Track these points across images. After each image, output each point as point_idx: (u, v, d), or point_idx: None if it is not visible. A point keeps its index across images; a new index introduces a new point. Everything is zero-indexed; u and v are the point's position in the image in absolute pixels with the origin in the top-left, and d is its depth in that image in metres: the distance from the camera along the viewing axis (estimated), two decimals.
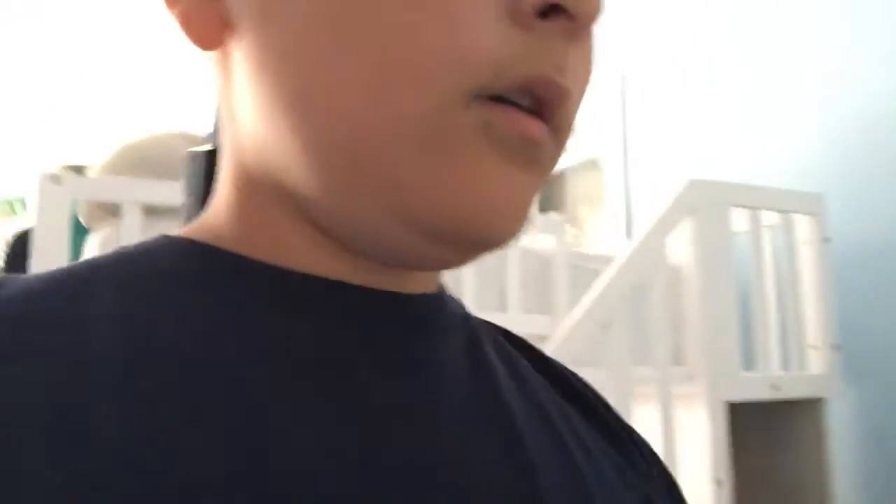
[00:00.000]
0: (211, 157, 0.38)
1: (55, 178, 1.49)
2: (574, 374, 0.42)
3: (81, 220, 1.77)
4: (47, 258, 1.45)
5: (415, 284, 0.35)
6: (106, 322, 0.28)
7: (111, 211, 1.60)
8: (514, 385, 0.37)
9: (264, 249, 0.32)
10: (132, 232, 1.54)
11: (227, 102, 0.34)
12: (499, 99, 0.29)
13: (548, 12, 0.29)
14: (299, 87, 0.30)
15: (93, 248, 1.75)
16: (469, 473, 0.31)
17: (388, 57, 0.29)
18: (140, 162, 1.69)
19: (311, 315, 0.31)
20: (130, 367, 0.26)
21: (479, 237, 0.31)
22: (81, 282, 0.30)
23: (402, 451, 0.30)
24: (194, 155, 0.40)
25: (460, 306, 0.38)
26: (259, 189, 0.33)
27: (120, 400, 0.25)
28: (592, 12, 0.30)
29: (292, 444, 0.27)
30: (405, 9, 0.28)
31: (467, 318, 0.38)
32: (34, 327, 0.27)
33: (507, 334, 0.42)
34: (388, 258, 0.33)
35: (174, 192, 1.66)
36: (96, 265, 0.31)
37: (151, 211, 1.57)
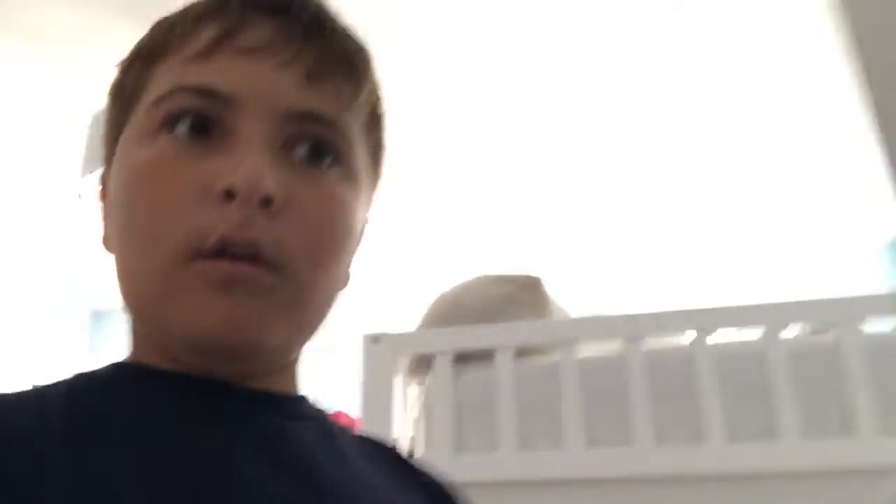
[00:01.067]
0: None
1: (375, 339, 1.62)
2: (426, 472, 0.60)
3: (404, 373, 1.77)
4: (375, 408, 1.57)
5: (272, 385, 0.52)
6: (55, 410, 0.43)
7: (429, 363, 1.61)
8: (358, 457, 0.55)
9: (155, 359, 0.49)
10: (443, 381, 1.54)
11: None
12: (222, 254, 0.45)
13: (231, 196, 0.45)
14: (119, 267, 0.50)
15: (410, 400, 1.74)
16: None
17: (141, 242, 0.47)
18: (455, 311, 1.73)
19: (182, 398, 0.48)
20: (65, 440, 0.41)
21: (218, 347, 0.46)
22: (44, 391, 0.46)
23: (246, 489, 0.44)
24: None
25: (315, 408, 0.55)
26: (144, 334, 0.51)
27: (53, 458, 0.40)
28: (252, 190, 0.45)
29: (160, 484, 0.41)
30: (144, 212, 0.47)
31: (320, 412, 0.55)
32: (7, 413, 0.43)
33: (362, 437, 0.60)
34: (197, 367, 0.48)
35: (483, 337, 1.52)
36: (62, 381, 0.48)
37: (462, 358, 1.59)
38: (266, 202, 0.45)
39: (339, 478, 0.50)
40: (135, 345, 0.52)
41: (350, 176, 0.51)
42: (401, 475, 0.57)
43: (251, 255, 0.45)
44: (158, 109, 0.48)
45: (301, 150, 0.49)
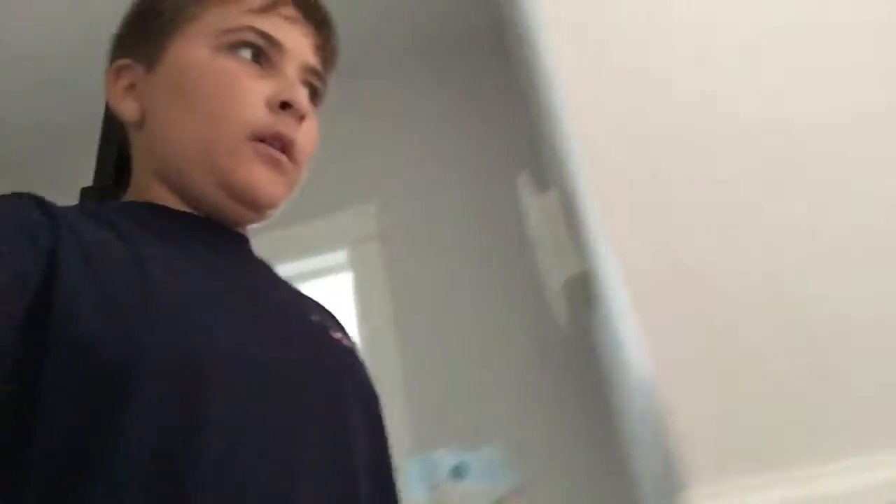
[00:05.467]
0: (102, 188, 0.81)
1: None
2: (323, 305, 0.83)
3: None
4: None
5: (244, 231, 0.77)
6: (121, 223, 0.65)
7: None
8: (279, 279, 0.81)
9: (166, 202, 0.72)
10: None
11: (145, 144, 0.74)
12: (266, 140, 0.70)
13: (285, 107, 0.70)
14: (178, 139, 0.71)
15: None
16: (281, 304, 0.73)
17: (216, 119, 0.69)
18: None
19: (183, 226, 0.71)
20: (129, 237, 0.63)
21: (253, 199, 0.70)
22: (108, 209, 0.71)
23: (239, 290, 0.68)
24: (87, 189, 0.82)
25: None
26: (161, 181, 0.73)
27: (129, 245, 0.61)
28: (304, 108, 0.71)
29: (192, 280, 0.63)
30: (222, 101, 0.69)
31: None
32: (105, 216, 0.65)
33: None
34: (214, 213, 0.72)
35: None
36: (111, 205, 0.75)
37: None
38: (302, 118, 0.72)
39: (282, 295, 0.77)
40: (145, 191, 0.73)
41: (318, 111, 0.79)
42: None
43: (287, 148, 0.70)
44: (227, 36, 0.71)
45: (309, 90, 0.76)
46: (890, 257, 0.87)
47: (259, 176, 0.69)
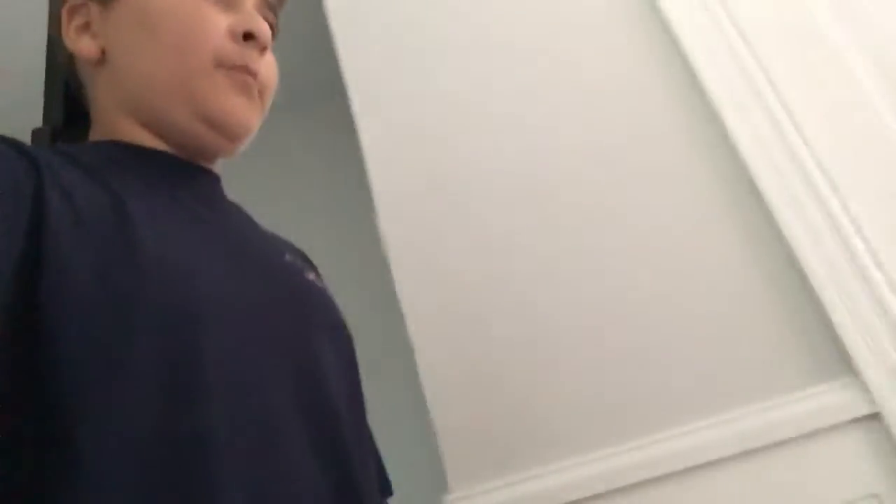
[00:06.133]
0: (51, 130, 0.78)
1: None
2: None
3: None
4: None
5: (215, 168, 0.77)
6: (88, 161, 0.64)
7: None
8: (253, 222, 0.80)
9: (137, 138, 0.71)
10: None
11: (108, 82, 0.72)
12: (241, 71, 0.70)
13: (247, 38, 0.70)
14: (147, 73, 0.69)
15: None
16: (256, 246, 0.73)
17: (181, 54, 0.68)
18: None
19: (158, 165, 0.70)
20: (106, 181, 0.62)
21: (229, 126, 0.70)
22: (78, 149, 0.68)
23: (224, 236, 0.69)
24: (38, 130, 0.78)
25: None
26: (130, 117, 0.71)
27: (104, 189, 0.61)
28: (266, 38, 0.72)
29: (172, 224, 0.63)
30: (187, 33, 0.69)
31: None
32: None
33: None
34: (189, 145, 0.72)
35: None
36: (87, 146, 0.72)
37: None
38: (264, 48, 0.73)
39: (257, 236, 0.77)
40: (114, 129, 0.71)
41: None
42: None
43: (254, 76, 0.71)
44: None
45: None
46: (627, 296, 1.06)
47: (232, 101, 0.70)
